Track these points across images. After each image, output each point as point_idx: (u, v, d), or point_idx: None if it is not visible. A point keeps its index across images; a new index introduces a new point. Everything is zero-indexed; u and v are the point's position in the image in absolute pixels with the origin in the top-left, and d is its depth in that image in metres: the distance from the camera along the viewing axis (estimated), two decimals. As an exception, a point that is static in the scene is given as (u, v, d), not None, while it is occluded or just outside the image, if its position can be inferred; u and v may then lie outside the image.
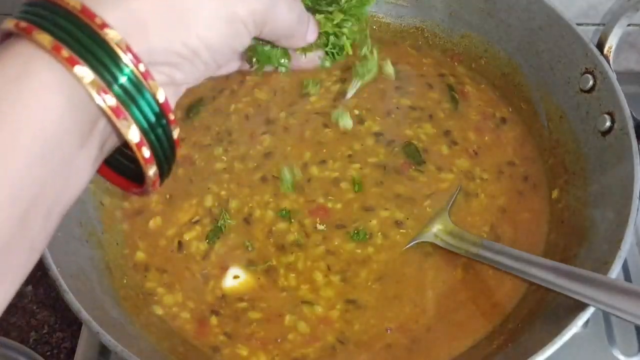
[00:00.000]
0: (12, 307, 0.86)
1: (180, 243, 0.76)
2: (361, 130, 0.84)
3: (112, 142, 0.39)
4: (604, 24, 0.81)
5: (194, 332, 0.71)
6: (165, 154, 0.39)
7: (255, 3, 0.41)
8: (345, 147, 0.82)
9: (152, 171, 0.39)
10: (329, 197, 0.78)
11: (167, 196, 0.80)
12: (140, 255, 0.76)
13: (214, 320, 0.71)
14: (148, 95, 0.36)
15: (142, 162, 0.38)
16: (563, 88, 0.80)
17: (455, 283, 0.73)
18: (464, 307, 0.72)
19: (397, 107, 0.86)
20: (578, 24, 0.79)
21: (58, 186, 0.36)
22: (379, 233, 0.75)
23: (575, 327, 0.60)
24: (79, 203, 0.73)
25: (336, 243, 0.75)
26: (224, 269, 0.74)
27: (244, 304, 0.72)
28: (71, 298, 0.60)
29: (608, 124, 0.73)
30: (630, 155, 0.69)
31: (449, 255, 0.74)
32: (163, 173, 0.40)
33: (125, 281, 0.73)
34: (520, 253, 0.68)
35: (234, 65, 0.51)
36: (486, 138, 0.84)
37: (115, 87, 0.35)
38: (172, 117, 0.38)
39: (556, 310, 0.65)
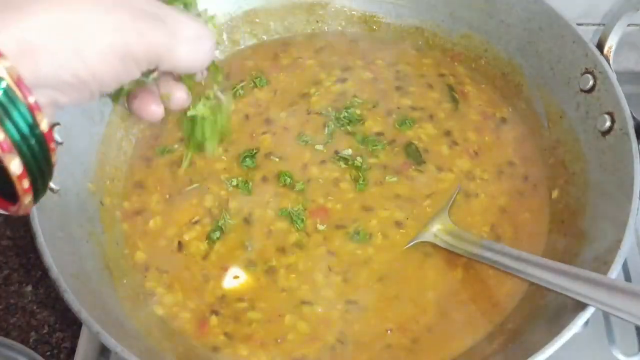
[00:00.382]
0: (12, 307, 0.86)
1: (180, 243, 0.76)
2: (362, 130, 0.84)
3: None
4: (604, 24, 0.81)
5: (194, 332, 0.71)
6: (40, 167, 0.37)
7: (152, 41, 0.40)
8: (346, 147, 0.82)
9: (27, 199, 0.37)
10: (329, 197, 0.78)
11: (167, 196, 0.80)
12: (140, 255, 0.76)
13: (214, 320, 0.71)
14: (24, 110, 0.35)
15: (20, 192, 0.37)
16: (563, 88, 0.80)
17: (455, 283, 0.73)
18: (465, 307, 0.72)
19: (398, 107, 0.86)
20: (578, 24, 0.79)
21: None
22: (379, 233, 0.75)
23: (575, 327, 0.60)
24: (79, 203, 0.73)
25: (337, 244, 0.75)
26: (224, 269, 0.74)
27: (244, 304, 0.72)
28: (71, 298, 0.60)
29: (608, 124, 0.73)
30: (630, 155, 0.69)
31: (450, 256, 0.74)
32: (38, 191, 0.38)
33: (125, 281, 0.73)
34: (520, 253, 0.68)
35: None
36: (486, 138, 0.84)
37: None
38: (44, 125, 0.36)
39: (556, 310, 0.65)
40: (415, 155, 0.82)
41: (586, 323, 0.75)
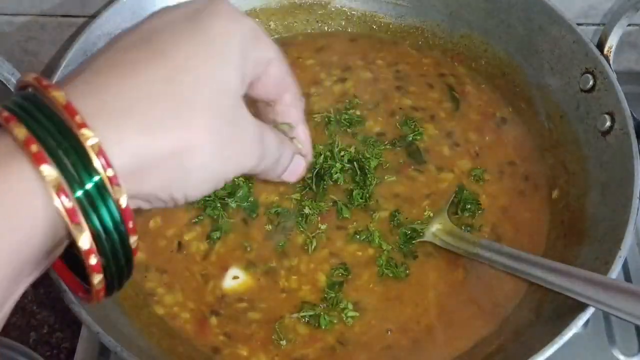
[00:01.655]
0: (12, 307, 0.86)
1: (180, 243, 0.76)
2: (363, 130, 0.84)
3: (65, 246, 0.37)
4: (604, 24, 0.81)
5: (194, 332, 0.71)
6: (117, 264, 0.36)
7: (246, 166, 0.41)
8: (347, 147, 0.82)
9: (97, 279, 0.36)
10: (330, 196, 0.78)
11: (167, 196, 0.80)
12: (140, 255, 0.76)
13: (213, 320, 0.71)
14: (111, 204, 0.34)
15: (88, 269, 0.35)
16: (563, 88, 0.80)
17: (456, 283, 0.73)
18: (465, 307, 0.71)
19: (400, 108, 0.86)
20: (578, 24, 0.79)
21: None
22: (377, 233, 0.75)
23: (575, 327, 0.60)
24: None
25: (338, 245, 0.75)
26: (223, 269, 0.74)
27: (244, 304, 0.72)
28: (71, 298, 0.60)
29: (608, 124, 0.73)
30: (630, 155, 0.69)
31: (450, 256, 0.74)
32: (112, 285, 0.37)
33: (125, 281, 0.73)
34: (519, 253, 0.68)
35: None
36: (487, 138, 0.84)
37: (79, 192, 0.33)
38: (131, 225, 0.36)
39: (556, 310, 0.65)
40: (416, 155, 0.82)
41: (586, 323, 0.75)
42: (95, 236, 0.34)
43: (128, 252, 0.36)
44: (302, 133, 0.50)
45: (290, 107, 0.48)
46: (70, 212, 0.33)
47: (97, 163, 0.33)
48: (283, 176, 0.48)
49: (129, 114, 0.35)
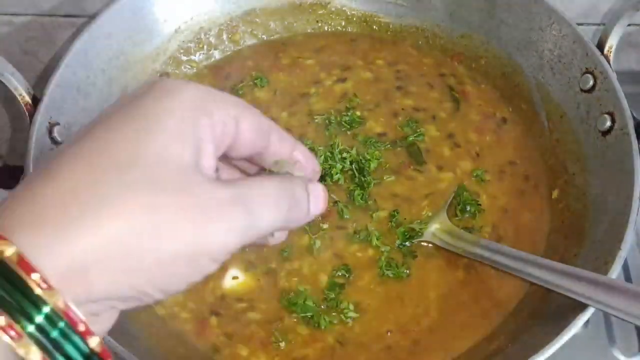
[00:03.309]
0: (12, 308, 0.86)
1: (180, 243, 0.76)
2: (364, 131, 0.84)
3: None
4: (604, 24, 0.81)
5: (194, 332, 0.71)
6: None
7: (230, 232, 0.37)
8: (348, 147, 0.82)
9: None
10: (331, 196, 0.78)
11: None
12: (140, 256, 0.75)
13: (213, 320, 0.71)
14: (77, 340, 0.33)
15: None
16: (563, 88, 0.80)
17: (456, 283, 0.73)
18: (465, 308, 0.71)
19: (402, 109, 0.86)
20: (578, 24, 0.79)
21: None
22: (376, 233, 0.75)
23: (575, 327, 0.60)
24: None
25: (340, 245, 0.75)
26: (223, 270, 0.74)
27: (243, 305, 0.72)
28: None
29: (608, 124, 0.73)
30: (630, 155, 0.69)
31: (450, 256, 0.74)
32: None
33: (125, 281, 0.73)
34: (519, 253, 0.68)
35: None
36: (487, 138, 0.84)
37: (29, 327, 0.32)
38: (82, 327, 0.33)
39: (556, 310, 0.65)
40: (417, 155, 0.81)
41: (586, 323, 0.75)
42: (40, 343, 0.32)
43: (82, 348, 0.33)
44: (301, 154, 0.46)
45: (281, 142, 0.44)
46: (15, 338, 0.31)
47: (56, 315, 0.32)
48: (311, 210, 0.44)
49: (43, 218, 0.33)
